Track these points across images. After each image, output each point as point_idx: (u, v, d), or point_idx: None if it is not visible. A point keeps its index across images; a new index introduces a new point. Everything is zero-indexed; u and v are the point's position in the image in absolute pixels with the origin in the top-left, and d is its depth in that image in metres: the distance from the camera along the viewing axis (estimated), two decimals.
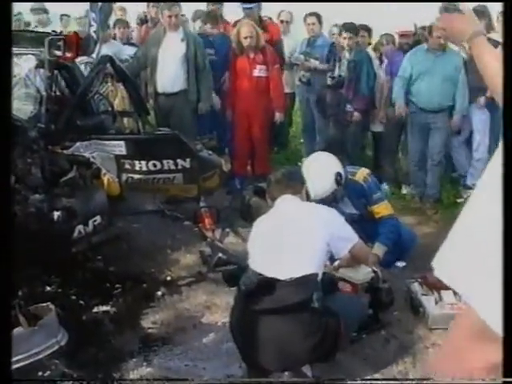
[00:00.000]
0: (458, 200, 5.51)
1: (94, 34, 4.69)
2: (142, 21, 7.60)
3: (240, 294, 2.85)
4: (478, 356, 0.78)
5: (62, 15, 8.49)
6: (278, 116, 5.96)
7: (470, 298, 0.82)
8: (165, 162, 4.12)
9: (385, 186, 5.94)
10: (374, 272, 3.38)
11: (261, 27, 6.08)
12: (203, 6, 7.16)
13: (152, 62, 5.67)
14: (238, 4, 6.42)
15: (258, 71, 5.77)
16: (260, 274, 2.73)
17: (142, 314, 3.55)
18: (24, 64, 4.38)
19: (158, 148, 4.19)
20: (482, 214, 0.81)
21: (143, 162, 4.09)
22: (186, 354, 3.14)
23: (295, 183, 3.07)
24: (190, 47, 5.62)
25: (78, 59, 4.64)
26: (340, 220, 2.96)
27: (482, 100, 5.31)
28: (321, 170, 3.73)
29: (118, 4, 7.41)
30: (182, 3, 5.99)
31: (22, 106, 4.19)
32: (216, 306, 3.63)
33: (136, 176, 4.14)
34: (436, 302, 3.39)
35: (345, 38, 5.88)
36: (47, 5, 7.62)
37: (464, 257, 0.78)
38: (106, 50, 5.36)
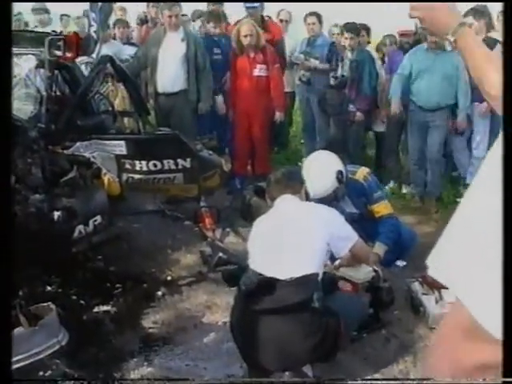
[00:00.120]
0: (459, 199, 5.49)
1: (94, 34, 4.70)
2: (142, 21, 7.60)
3: (240, 294, 2.85)
4: (468, 355, 0.77)
5: (62, 15, 8.50)
6: (278, 115, 5.96)
7: (462, 296, 0.82)
8: (165, 161, 4.12)
9: (390, 185, 5.96)
10: (375, 271, 3.38)
11: (262, 27, 6.09)
12: (202, 6, 7.17)
13: (152, 62, 5.67)
14: (240, 4, 6.42)
15: (259, 71, 5.77)
16: (260, 274, 2.73)
17: (143, 313, 3.55)
18: (24, 64, 4.38)
19: (159, 148, 4.19)
20: (476, 211, 0.81)
21: (143, 162, 4.09)
22: (186, 354, 3.15)
23: (294, 183, 3.06)
24: (190, 47, 5.62)
25: (79, 59, 4.64)
26: (340, 219, 2.96)
27: (483, 107, 5.28)
28: (322, 168, 3.73)
29: (118, 4, 7.41)
30: (182, 3, 5.99)
31: (23, 106, 4.19)
32: (217, 306, 3.63)
33: (136, 176, 4.14)
34: (436, 301, 3.39)
35: (346, 38, 5.89)
36: (48, 5, 7.62)
37: (457, 254, 0.78)
38: (106, 49, 5.36)
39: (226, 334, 3.08)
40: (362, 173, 4.01)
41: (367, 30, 6.43)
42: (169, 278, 4.00)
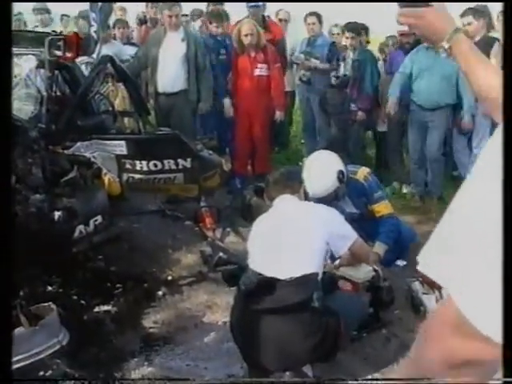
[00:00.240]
0: None
1: (94, 34, 4.70)
2: (141, 21, 7.60)
3: (240, 294, 2.85)
4: (456, 350, 0.77)
5: (63, 15, 8.50)
6: (279, 114, 5.95)
7: (452, 291, 0.82)
8: (165, 161, 4.12)
9: (393, 185, 5.95)
10: (375, 271, 3.38)
11: (264, 27, 6.09)
12: (201, 5, 7.16)
13: (152, 62, 5.67)
14: (240, 4, 6.42)
15: (259, 70, 5.77)
16: (260, 274, 2.73)
17: (143, 313, 3.55)
18: (25, 64, 4.39)
19: (159, 148, 4.19)
20: (467, 207, 0.81)
21: (144, 162, 4.09)
22: (187, 354, 3.15)
23: (293, 183, 3.06)
24: (190, 47, 5.62)
25: (79, 59, 4.64)
26: (339, 218, 2.96)
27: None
28: (322, 168, 3.74)
29: (118, 4, 7.42)
30: (182, 3, 5.98)
31: (23, 107, 4.19)
32: (217, 306, 3.63)
33: (137, 176, 4.14)
34: (437, 301, 3.39)
35: (347, 38, 5.91)
36: (48, 5, 7.62)
37: (448, 250, 0.78)
38: (106, 50, 5.37)
39: (227, 333, 3.08)
40: (362, 173, 4.01)
41: (366, 29, 6.43)
42: (169, 277, 4.00)
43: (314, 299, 2.76)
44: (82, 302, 3.53)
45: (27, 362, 2.65)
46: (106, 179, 4.08)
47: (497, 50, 4.93)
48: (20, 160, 3.61)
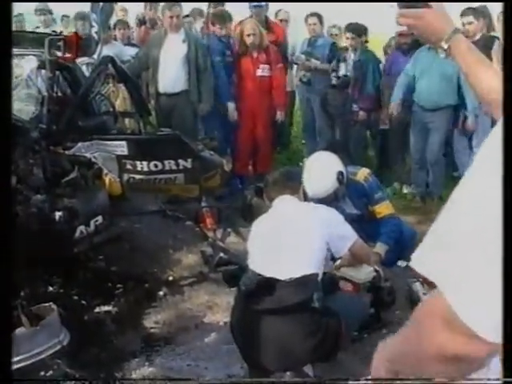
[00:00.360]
0: None
1: (95, 35, 4.70)
2: (141, 21, 7.59)
3: (240, 295, 2.85)
4: (444, 344, 0.77)
5: (63, 16, 8.50)
6: (279, 114, 5.96)
7: (446, 290, 0.82)
8: (166, 162, 4.12)
9: (394, 185, 5.95)
10: (376, 271, 3.38)
11: (266, 27, 6.09)
12: (201, 5, 7.15)
13: (153, 63, 5.67)
14: (241, 4, 6.42)
15: (262, 71, 5.77)
16: (259, 275, 2.73)
17: (144, 313, 3.56)
18: (26, 65, 4.39)
19: (160, 148, 4.19)
20: (461, 205, 0.81)
21: (145, 163, 4.09)
22: (188, 354, 3.15)
23: (293, 183, 3.05)
24: (191, 48, 5.62)
25: (80, 60, 4.64)
26: (338, 219, 2.95)
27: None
28: (322, 168, 3.73)
29: (119, 4, 7.41)
30: (182, 3, 5.98)
31: (24, 107, 4.20)
32: (218, 306, 3.63)
33: (137, 176, 4.14)
34: None
35: (348, 38, 5.92)
36: (50, 5, 7.62)
37: (444, 247, 0.78)
38: (107, 50, 5.37)
39: (227, 334, 3.07)
40: (362, 174, 4.01)
41: (365, 29, 6.43)
42: (170, 278, 4.00)
43: (315, 300, 2.76)
44: (83, 302, 3.54)
45: (28, 362, 2.66)
46: (106, 179, 4.08)
47: (497, 48, 4.92)
48: (21, 160, 3.62)
